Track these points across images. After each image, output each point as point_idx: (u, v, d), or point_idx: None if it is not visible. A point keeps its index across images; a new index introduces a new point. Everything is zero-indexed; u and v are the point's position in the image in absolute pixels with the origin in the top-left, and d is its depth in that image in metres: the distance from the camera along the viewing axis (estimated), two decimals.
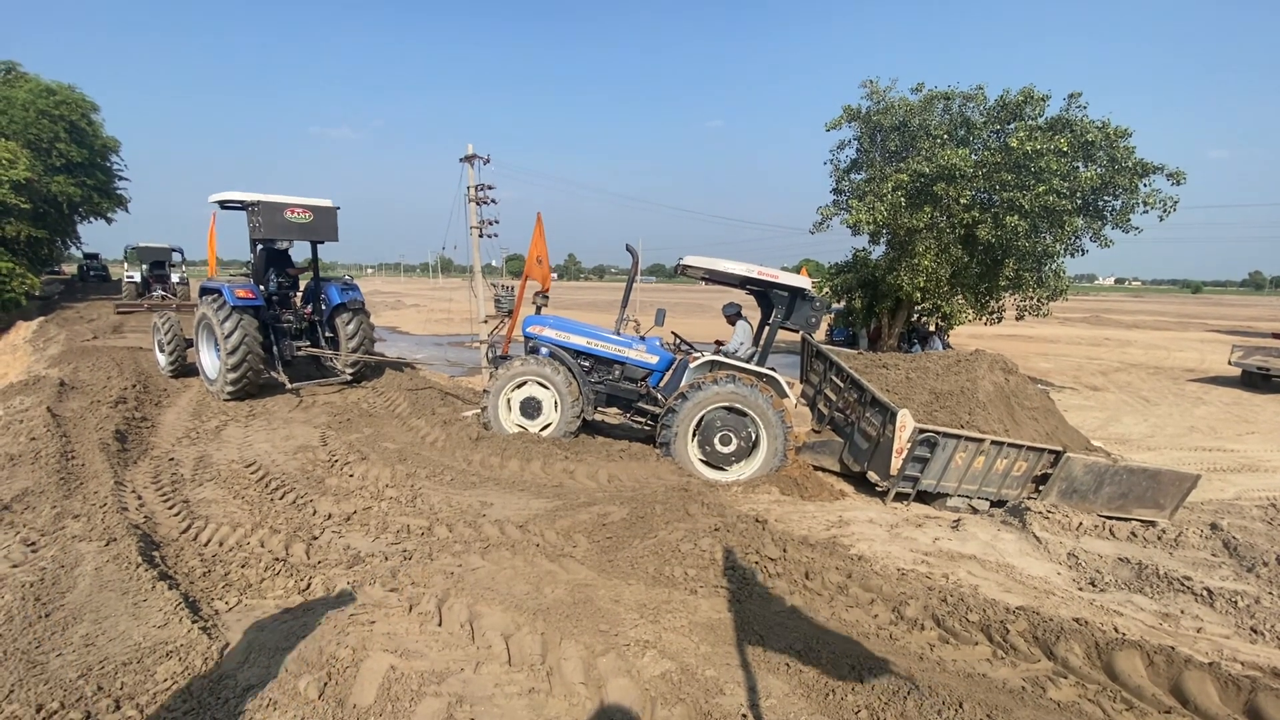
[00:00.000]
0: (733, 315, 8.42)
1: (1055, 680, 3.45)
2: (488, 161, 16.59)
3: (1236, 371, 19.34)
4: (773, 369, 7.72)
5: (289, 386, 9.41)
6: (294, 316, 9.96)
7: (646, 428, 8.31)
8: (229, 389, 8.80)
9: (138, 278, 22.93)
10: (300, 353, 9.92)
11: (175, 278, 23.38)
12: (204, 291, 9.38)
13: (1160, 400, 17.10)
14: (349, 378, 10.25)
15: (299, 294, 10.37)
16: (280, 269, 10.03)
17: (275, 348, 9.60)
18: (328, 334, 10.25)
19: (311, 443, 7.31)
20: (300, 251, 10.56)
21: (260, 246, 9.63)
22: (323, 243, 10.02)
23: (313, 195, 9.46)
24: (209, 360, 9.36)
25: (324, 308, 10.16)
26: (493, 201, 16.75)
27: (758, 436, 7.37)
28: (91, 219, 27.46)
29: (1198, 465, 9.44)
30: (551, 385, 7.77)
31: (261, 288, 9.41)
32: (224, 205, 9.38)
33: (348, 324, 10.05)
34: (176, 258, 24.43)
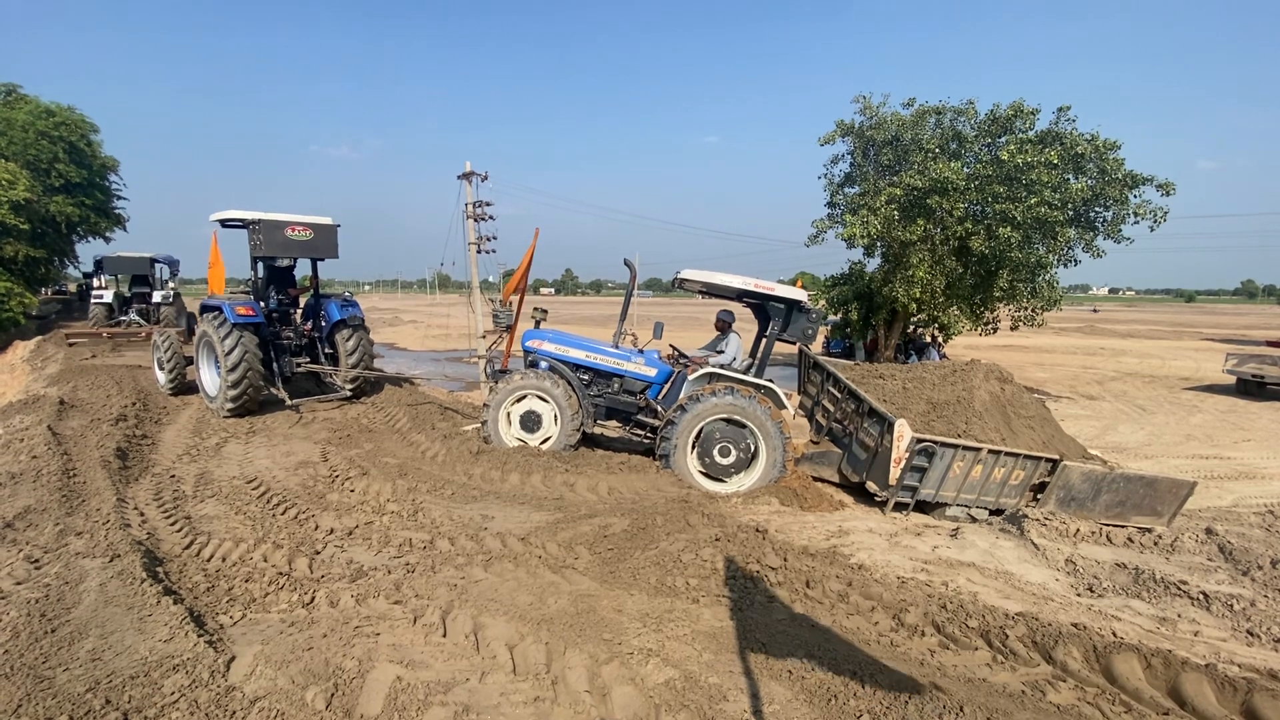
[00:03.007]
0: (725, 323, 8.44)
1: (1055, 684, 3.48)
2: (485, 178, 16.75)
3: (1231, 379, 19.47)
4: (770, 380, 7.78)
5: (289, 403, 9.44)
6: (294, 333, 10.01)
7: (646, 440, 8.35)
8: (229, 406, 8.82)
9: (107, 297, 18.27)
10: (300, 369, 9.95)
11: (158, 296, 18.53)
12: (204, 309, 9.43)
13: (1156, 409, 17.19)
14: (349, 394, 10.28)
15: (299, 311, 10.43)
16: (281, 286, 10.10)
17: (275, 364, 9.64)
18: (327, 350, 10.29)
19: (312, 458, 7.33)
20: (300, 268, 10.65)
21: (261, 264, 9.71)
22: (323, 260, 10.11)
23: (312, 213, 9.56)
24: (209, 377, 9.38)
25: (324, 324, 10.21)
26: (491, 218, 16.90)
27: (757, 448, 7.41)
28: (90, 238, 27.56)
29: (1195, 473, 9.48)
30: (551, 398, 7.81)
31: (262, 305, 9.46)
32: (224, 224, 9.45)
33: (347, 340, 10.10)
34: (163, 271, 19.70)
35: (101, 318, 17.77)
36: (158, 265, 19.39)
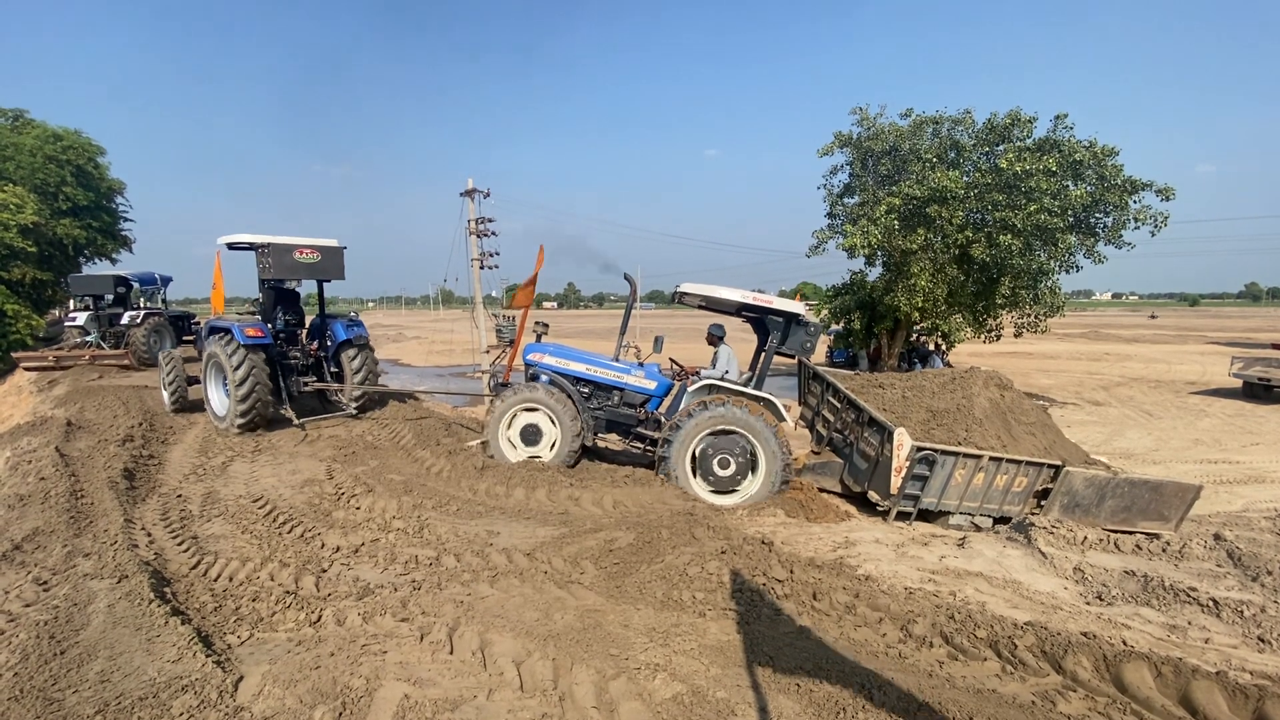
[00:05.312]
0: (716, 338, 8.45)
1: (1064, 694, 3.47)
2: (487, 195, 16.96)
3: (1238, 383, 19.40)
4: (769, 394, 7.79)
5: (296, 422, 9.51)
6: (300, 353, 10.12)
7: (648, 452, 8.36)
8: (239, 425, 8.93)
9: (80, 320, 16.69)
10: (307, 388, 10.06)
11: (126, 317, 16.40)
12: (212, 330, 9.53)
13: (1163, 414, 17.12)
14: (354, 412, 10.35)
15: (304, 331, 10.54)
16: (287, 307, 10.24)
17: (283, 384, 9.73)
18: (333, 369, 10.40)
19: (318, 476, 7.35)
20: (304, 289, 10.75)
21: (269, 285, 9.82)
22: (329, 281, 10.23)
23: (314, 231, 9.66)
24: (217, 398, 9.47)
25: (329, 344, 10.33)
26: (493, 234, 17.06)
27: (757, 460, 7.41)
28: (96, 260, 27.79)
29: (1204, 478, 9.42)
30: (550, 411, 7.84)
31: (269, 326, 9.57)
32: (232, 247, 9.57)
33: (353, 359, 10.23)
34: (150, 290, 17.80)
35: (72, 342, 16.40)
36: (131, 284, 17.53)
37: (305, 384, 10.03)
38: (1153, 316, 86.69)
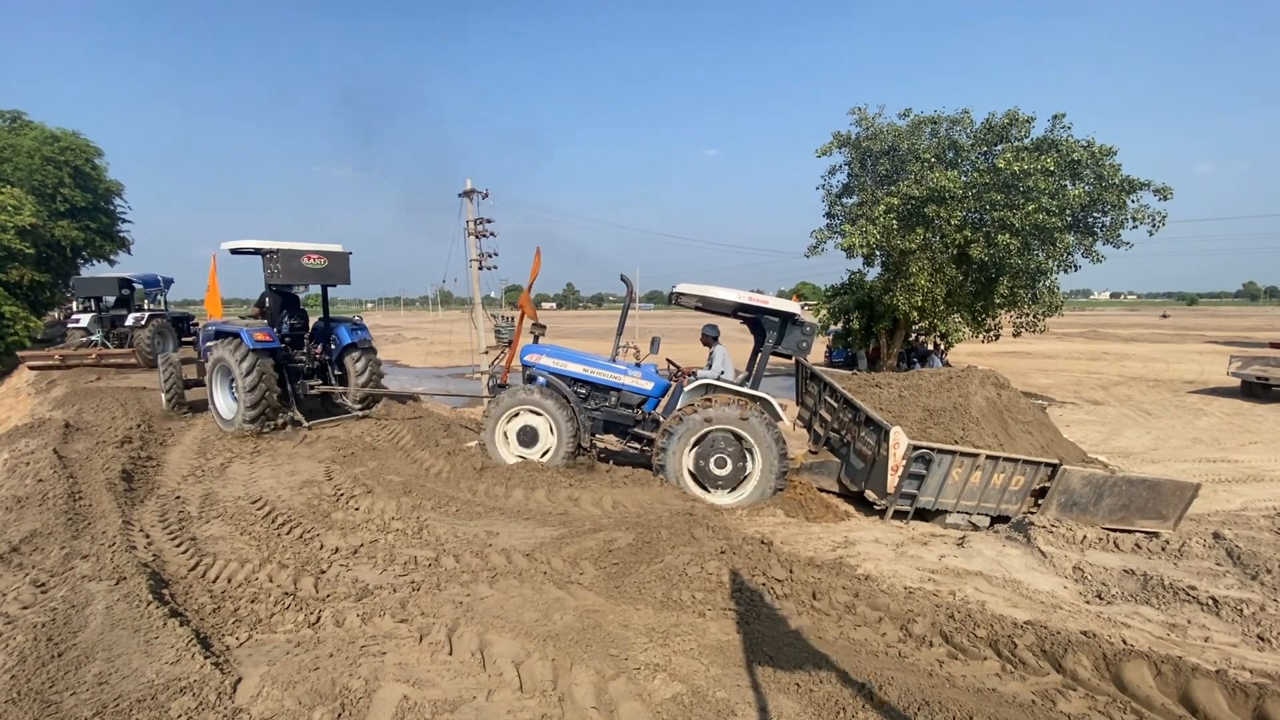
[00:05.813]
0: (710, 338, 8.44)
1: (1065, 693, 3.47)
2: (486, 196, 16.95)
3: (1236, 382, 19.42)
4: (766, 393, 7.79)
5: (304, 424, 9.56)
6: (306, 356, 10.18)
7: (645, 453, 8.35)
8: (247, 429, 8.97)
9: (84, 321, 16.75)
10: (313, 391, 10.12)
11: (130, 319, 16.46)
12: (218, 334, 9.55)
13: (1162, 413, 17.13)
14: (359, 414, 10.39)
15: (308, 334, 10.61)
16: (291, 311, 10.31)
17: (289, 388, 9.79)
18: (336, 372, 10.48)
19: (316, 477, 7.34)
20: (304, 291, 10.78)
21: (275, 290, 9.86)
22: (334, 286, 10.29)
23: (310, 235, 9.69)
24: (223, 401, 9.50)
25: (334, 347, 10.41)
26: (491, 234, 17.06)
27: (753, 459, 7.41)
28: (94, 262, 27.75)
29: (1203, 477, 9.42)
30: (546, 412, 7.84)
31: (275, 330, 9.60)
32: (235, 252, 9.58)
33: (357, 362, 10.34)
34: (153, 292, 18.06)
35: (78, 342, 16.54)
36: (135, 285, 17.83)
37: (311, 387, 10.11)
38: (1164, 316, 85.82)
